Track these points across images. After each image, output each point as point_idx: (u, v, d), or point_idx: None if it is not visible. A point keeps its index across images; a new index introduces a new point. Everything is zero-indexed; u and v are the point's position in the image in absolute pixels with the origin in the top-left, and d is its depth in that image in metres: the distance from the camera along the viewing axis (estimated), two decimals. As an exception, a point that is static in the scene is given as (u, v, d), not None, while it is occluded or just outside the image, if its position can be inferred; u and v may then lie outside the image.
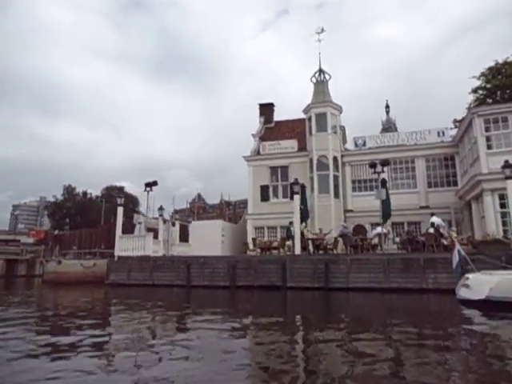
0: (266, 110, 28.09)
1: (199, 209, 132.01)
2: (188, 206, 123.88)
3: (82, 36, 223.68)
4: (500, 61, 30.50)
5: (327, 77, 24.14)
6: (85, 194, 79.11)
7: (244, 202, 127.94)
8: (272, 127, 27.30)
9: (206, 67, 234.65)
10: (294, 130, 26.25)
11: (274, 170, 24.15)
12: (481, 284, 8.24)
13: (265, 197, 23.96)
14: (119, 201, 17.36)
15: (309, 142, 23.24)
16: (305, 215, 19.53)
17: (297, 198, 15.59)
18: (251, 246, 19.03)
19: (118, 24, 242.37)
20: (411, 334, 6.52)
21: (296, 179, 15.86)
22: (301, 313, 9.87)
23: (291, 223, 16.54)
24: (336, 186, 22.18)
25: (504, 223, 16.17)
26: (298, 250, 14.66)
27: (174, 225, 20.57)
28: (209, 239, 22.86)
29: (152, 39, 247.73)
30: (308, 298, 12.85)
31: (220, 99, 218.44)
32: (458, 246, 9.99)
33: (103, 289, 16.23)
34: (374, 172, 15.72)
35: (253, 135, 26.40)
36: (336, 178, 22.28)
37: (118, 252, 17.02)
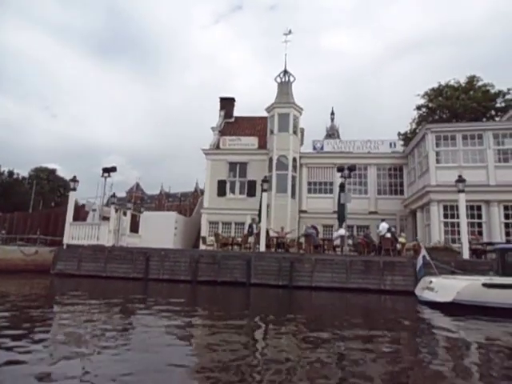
0: (227, 104, 27.83)
1: (137, 199, 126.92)
2: (125, 195, 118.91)
3: (19, 3, 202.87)
4: (443, 83, 33.33)
5: (291, 78, 24.53)
6: (11, 173, 71.95)
7: (185, 195, 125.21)
8: (232, 122, 27.12)
9: (153, 53, 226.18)
10: (255, 127, 26.34)
11: (232, 165, 24.01)
12: (447, 288, 8.93)
13: (221, 192, 23.75)
14: (72, 185, 16.09)
15: (270, 141, 23.46)
16: (258, 215, 19.77)
17: (265, 195, 15.66)
18: (208, 241, 18.77)
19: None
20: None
21: (265, 177, 15.92)
22: (261, 310, 9.97)
23: (253, 220, 16.60)
24: (293, 187, 22.67)
25: (446, 232, 17.72)
26: (262, 247, 14.75)
27: (125, 214, 19.55)
28: (161, 231, 22.10)
29: (98, 16, 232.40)
30: (271, 296, 13.02)
31: (165, 87, 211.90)
32: (423, 252, 10.74)
33: (47, 279, 14.96)
34: (342, 176, 16.31)
35: (212, 128, 26.02)
36: (294, 178, 22.76)
37: (67, 240, 15.78)
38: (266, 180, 15.62)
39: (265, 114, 26.26)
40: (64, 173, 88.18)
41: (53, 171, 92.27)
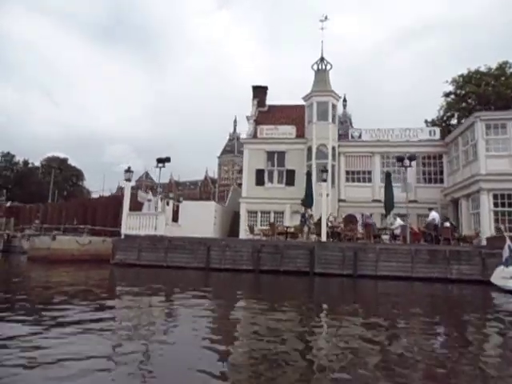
0: (259, 92, 27.66)
1: (147, 187, 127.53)
2: (135, 183, 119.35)
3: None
4: (472, 69, 32.92)
5: (328, 66, 24.32)
6: (26, 163, 72.43)
7: (194, 183, 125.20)
8: (266, 111, 26.98)
9: (155, 39, 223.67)
10: (289, 116, 26.19)
11: (270, 154, 23.97)
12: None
13: (260, 181, 23.77)
14: (128, 176, 16.14)
15: (308, 130, 23.37)
16: (310, 202, 19.83)
17: (324, 185, 15.69)
18: (256, 230, 18.87)
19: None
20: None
21: (324, 166, 15.92)
22: (329, 298, 10.15)
23: (306, 210, 16.65)
24: (332, 175, 22.65)
25: (496, 221, 17.73)
26: (324, 237, 14.84)
27: (168, 204, 19.66)
28: (200, 220, 22.22)
29: (100, 1, 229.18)
30: (337, 284, 13.17)
31: (168, 74, 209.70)
32: (508, 242, 10.79)
33: (108, 268, 15.16)
34: (402, 165, 16.27)
35: (247, 117, 25.93)
36: (333, 167, 22.73)
37: (124, 230, 15.92)
38: (326, 170, 15.64)
39: (298, 102, 26.16)
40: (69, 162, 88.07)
41: (64, 160, 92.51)
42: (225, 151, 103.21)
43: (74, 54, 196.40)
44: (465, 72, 33.14)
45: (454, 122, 32.88)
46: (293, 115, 26.30)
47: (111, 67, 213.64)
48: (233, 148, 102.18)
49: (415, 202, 22.63)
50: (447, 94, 34.24)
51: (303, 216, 17.23)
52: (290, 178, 23.59)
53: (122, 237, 15.84)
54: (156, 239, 15.43)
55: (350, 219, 22.08)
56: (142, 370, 3.62)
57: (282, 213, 23.27)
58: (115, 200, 23.68)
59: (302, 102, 27.42)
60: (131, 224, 15.99)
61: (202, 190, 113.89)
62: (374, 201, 23.08)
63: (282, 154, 23.87)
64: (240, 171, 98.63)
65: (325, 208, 15.53)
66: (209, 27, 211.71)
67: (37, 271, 13.97)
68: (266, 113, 26.85)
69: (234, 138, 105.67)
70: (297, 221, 22.46)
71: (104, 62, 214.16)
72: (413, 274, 13.33)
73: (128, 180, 16.33)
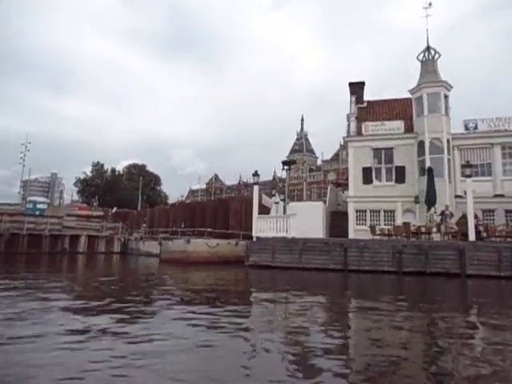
0: (357, 89, 26.96)
1: (216, 189, 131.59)
2: (204, 186, 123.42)
3: (91, 10, 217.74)
4: None
5: (436, 55, 23.01)
6: (113, 171, 78.22)
7: (263, 184, 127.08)
8: (365, 107, 26.22)
9: (215, 45, 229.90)
10: (392, 110, 25.26)
11: (377, 151, 23.26)
12: None
13: (367, 179, 23.16)
14: (255, 179, 16.55)
15: (418, 124, 22.31)
16: (433, 200, 18.89)
17: (469, 182, 14.80)
18: (378, 230, 18.37)
19: (125, 1, 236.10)
20: None
21: (467, 161, 15.02)
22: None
23: (446, 207, 15.84)
24: (448, 170, 21.39)
25: None
26: (472, 236, 13.98)
27: (277, 203, 19.83)
28: (309, 221, 22.15)
29: (161, 16, 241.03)
30: (494, 287, 12.29)
31: (229, 78, 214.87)
32: None
33: (243, 270, 15.64)
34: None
35: (348, 115, 25.47)
36: (448, 161, 21.47)
37: (255, 233, 16.32)
38: (470, 165, 14.74)
39: (398, 95, 25.21)
40: (153, 168, 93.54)
41: (143, 167, 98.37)
42: (293, 150, 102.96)
43: (142, 67, 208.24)
44: None
45: None
46: (395, 109, 25.34)
47: (176, 77, 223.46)
48: (301, 147, 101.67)
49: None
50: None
51: (442, 213, 16.32)
52: (399, 174, 22.68)
53: (254, 239, 16.24)
54: (290, 241, 15.62)
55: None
56: None
57: (393, 211, 22.42)
58: (223, 203, 24.51)
59: (400, 96, 26.38)
60: (261, 227, 16.34)
61: (270, 191, 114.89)
62: (496, 196, 21.42)
63: (389, 151, 23.04)
64: (311, 170, 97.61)
65: (471, 206, 14.59)
66: (267, 28, 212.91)
67: (188, 273, 14.78)
68: (366, 108, 26.10)
69: (301, 136, 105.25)
70: (409, 218, 21.63)
71: (169, 73, 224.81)
72: None
73: (256, 183, 16.72)
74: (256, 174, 16.53)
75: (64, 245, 24.90)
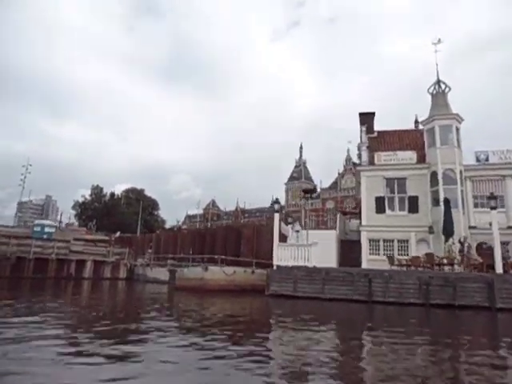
0: (367, 119, 27.45)
1: (213, 215, 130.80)
2: (201, 211, 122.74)
3: (91, 37, 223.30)
4: None
5: (447, 89, 23.63)
6: (112, 195, 77.74)
7: (260, 211, 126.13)
8: (376, 137, 26.62)
9: (216, 73, 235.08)
10: (402, 140, 25.65)
11: (390, 181, 23.40)
12: None
13: (380, 209, 23.18)
14: (277, 207, 16.46)
15: (431, 155, 22.60)
16: (451, 231, 18.88)
17: (494, 213, 14.83)
18: (396, 261, 18.20)
19: (129, 27, 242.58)
20: None
21: (492, 193, 15.11)
22: None
23: (465, 238, 15.79)
24: (462, 201, 21.52)
25: None
26: (499, 269, 13.86)
27: (297, 231, 19.69)
28: (323, 249, 21.94)
29: (162, 43, 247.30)
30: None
31: (226, 106, 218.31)
32: None
33: (263, 299, 15.29)
34: None
35: (359, 145, 25.80)
36: (462, 192, 21.63)
37: (276, 261, 16.07)
38: (495, 196, 14.82)
39: (407, 127, 25.70)
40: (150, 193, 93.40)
41: (141, 191, 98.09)
42: (292, 177, 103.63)
43: (141, 93, 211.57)
44: None
45: None
46: (405, 140, 25.74)
47: (174, 103, 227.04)
48: (300, 174, 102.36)
49: None
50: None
51: (462, 244, 16.27)
52: (412, 204, 22.75)
53: (274, 268, 15.96)
54: (312, 270, 15.36)
55: (483, 248, 20.70)
56: None
57: (407, 241, 22.33)
58: (234, 230, 24.27)
59: (409, 127, 26.90)
60: (282, 255, 16.10)
61: (268, 217, 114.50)
62: (510, 227, 21.48)
63: (402, 180, 23.20)
64: (307, 197, 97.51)
65: (497, 238, 14.56)
66: (266, 58, 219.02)
67: (213, 303, 14.37)
68: (377, 138, 26.48)
69: (300, 164, 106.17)
70: (423, 249, 21.55)
71: (168, 99, 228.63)
72: None
73: (277, 211, 16.62)
74: (277, 202, 16.47)
75: (70, 270, 24.29)
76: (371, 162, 24.13)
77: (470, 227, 21.98)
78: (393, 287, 14.17)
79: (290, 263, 15.98)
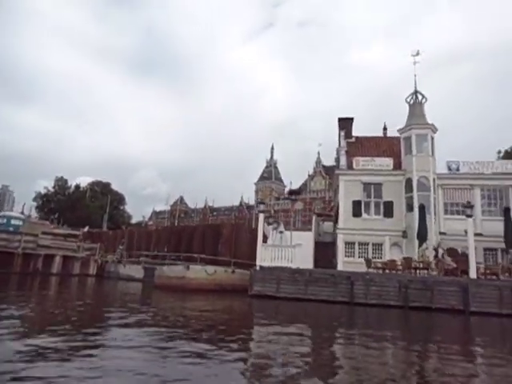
0: (346, 124, 28.06)
1: (181, 212, 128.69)
2: (169, 208, 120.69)
3: (60, 24, 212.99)
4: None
5: (423, 100, 24.61)
6: (77, 187, 74.80)
7: (229, 209, 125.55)
8: (354, 142, 27.26)
9: (187, 71, 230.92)
10: (380, 147, 26.42)
11: (367, 186, 24.04)
12: None
13: (357, 212, 23.77)
14: (261, 207, 16.49)
15: (407, 162, 23.45)
16: (424, 236, 19.69)
17: (470, 221, 15.56)
18: (373, 264, 18.74)
19: (100, 17, 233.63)
20: None
21: (468, 202, 15.84)
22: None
23: (439, 244, 16.50)
24: (434, 208, 22.49)
25: None
26: (473, 274, 14.60)
27: (281, 232, 19.84)
28: (301, 251, 22.24)
29: (134, 37, 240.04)
30: (496, 325, 12.80)
31: (197, 103, 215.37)
32: None
33: (246, 299, 15.28)
34: None
35: (338, 149, 26.33)
36: (434, 199, 22.60)
37: (259, 262, 16.10)
38: (471, 205, 15.55)
39: (376, 133, 26.65)
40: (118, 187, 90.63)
41: (107, 185, 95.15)
42: (262, 177, 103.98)
43: (109, 84, 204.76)
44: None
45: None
46: (382, 146, 26.54)
47: (144, 99, 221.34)
48: (270, 174, 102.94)
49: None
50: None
51: (436, 250, 17.00)
52: (387, 209, 23.50)
53: (258, 268, 15.99)
54: (295, 271, 15.51)
55: (453, 254, 21.75)
56: None
57: (381, 245, 23.05)
58: (212, 229, 24.07)
59: (378, 134, 27.86)
60: (265, 256, 16.16)
61: (237, 216, 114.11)
62: (476, 234, 22.68)
63: (378, 186, 23.90)
64: (278, 198, 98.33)
65: (472, 244, 15.33)
66: (237, 59, 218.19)
67: (198, 301, 14.18)
68: (354, 144, 27.13)
69: (270, 164, 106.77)
70: (396, 252, 22.39)
71: (137, 94, 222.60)
72: None
73: (262, 211, 16.64)
74: (261, 203, 16.58)
75: (37, 265, 23.16)
76: (350, 167, 24.69)
77: (441, 233, 23.05)
78: (374, 289, 14.60)
79: (274, 264, 16.05)
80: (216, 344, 6.68)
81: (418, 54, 25.53)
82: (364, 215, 23.89)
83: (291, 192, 20.86)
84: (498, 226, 21.87)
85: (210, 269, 17.80)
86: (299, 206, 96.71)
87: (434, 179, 22.82)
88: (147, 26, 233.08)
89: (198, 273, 17.29)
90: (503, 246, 21.76)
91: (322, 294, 14.92)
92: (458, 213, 23.46)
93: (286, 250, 16.42)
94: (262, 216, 16.86)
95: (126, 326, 8.27)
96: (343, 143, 26.56)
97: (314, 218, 29.39)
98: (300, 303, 14.70)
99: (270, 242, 17.72)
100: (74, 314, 10.05)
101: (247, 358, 6.08)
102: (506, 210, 18.73)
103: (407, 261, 16.62)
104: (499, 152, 35.31)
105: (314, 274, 15.47)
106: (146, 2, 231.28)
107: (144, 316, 10.24)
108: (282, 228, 19.34)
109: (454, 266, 15.67)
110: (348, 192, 24.11)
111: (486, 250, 22.15)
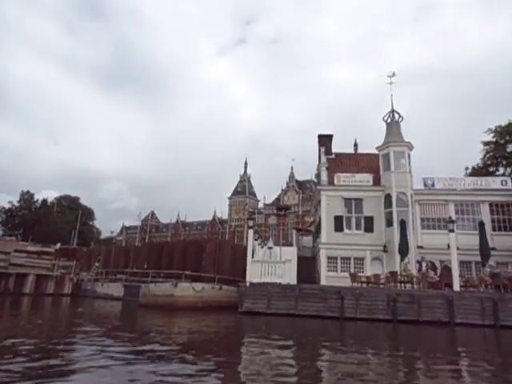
0: (326, 140, 28.75)
1: (152, 227, 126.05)
2: (140, 223, 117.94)
3: (27, 31, 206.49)
4: (513, 121, 34.83)
5: (400, 118, 25.69)
6: (44, 202, 71.86)
7: (201, 224, 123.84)
8: (334, 159, 27.94)
9: (157, 84, 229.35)
10: (358, 163, 27.20)
11: (348, 201, 24.61)
12: None
13: (338, 227, 24.21)
14: (251, 223, 16.47)
15: (385, 178, 24.25)
16: (405, 250, 20.29)
17: (452, 236, 16.19)
18: (358, 278, 19.06)
19: (70, 27, 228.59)
20: None
21: (450, 217, 16.49)
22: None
23: (423, 258, 17.04)
24: (412, 223, 23.27)
25: None
26: (456, 286, 15.13)
27: (270, 248, 19.88)
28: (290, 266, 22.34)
29: (104, 49, 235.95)
30: (480, 336, 13.30)
31: (168, 117, 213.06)
32: None
33: (236, 316, 15.09)
34: None
35: (320, 165, 26.87)
36: (412, 214, 23.41)
37: (249, 278, 16.00)
38: (453, 221, 16.20)
39: (364, 151, 27.44)
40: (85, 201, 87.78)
41: (75, 199, 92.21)
42: (236, 192, 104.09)
43: (77, 97, 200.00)
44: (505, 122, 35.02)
45: (500, 170, 34.30)
46: (361, 163, 27.34)
47: (114, 112, 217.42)
48: (244, 189, 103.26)
49: (494, 249, 23.25)
50: (487, 143, 35.90)
51: (419, 263, 17.53)
52: (368, 224, 24.09)
53: (248, 284, 15.88)
54: (286, 287, 15.53)
55: (431, 267, 22.50)
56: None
57: (363, 259, 23.54)
58: (194, 245, 23.74)
59: (365, 151, 28.73)
60: (255, 272, 16.10)
61: (210, 231, 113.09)
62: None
63: (359, 201, 24.52)
64: (252, 212, 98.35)
65: (455, 257, 15.93)
66: (210, 74, 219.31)
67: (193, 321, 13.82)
68: (334, 160, 27.81)
69: (244, 179, 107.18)
70: (377, 266, 22.95)
71: (106, 105, 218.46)
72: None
73: (251, 227, 16.63)
74: (251, 218, 16.53)
75: (8, 285, 21.92)
76: (331, 182, 25.23)
77: (418, 247, 23.84)
78: (363, 304, 14.84)
79: (263, 280, 16.01)
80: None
81: (393, 75, 26.78)
82: (346, 230, 24.37)
83: (280, 208, 21.12)
84: (472, 240, 22.88)
85: (198, 286, 17.47)
86: (273, 220, 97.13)
87: (411, 195, 23.68)
88: (118, 40, 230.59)
89: (186, 290, 16.92)
90: (478, 258, 22.74)
91: (312, 310, 15.00)
92: (434, 227, 24.45)
93: (276, 265, 16.44)
94: (251, 232, 16.84)
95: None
96: (323, 159, 27.15)
97: (294, 232, 29.68)
98: (291, 319, 14.67)
99: (255, 257, 17.65)
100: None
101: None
102: (481, 224, 19.66)
103: (393, 275, 17.03)
104: (466, 168, 37.16)
105: (305, 289, 15.54)
106: (117, 16, 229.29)
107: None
108: (271, 244, 19.41)
109: (437, 279, 16.21)
110: (330, 207, 24.57)
111: (461, 262, 23.02)
